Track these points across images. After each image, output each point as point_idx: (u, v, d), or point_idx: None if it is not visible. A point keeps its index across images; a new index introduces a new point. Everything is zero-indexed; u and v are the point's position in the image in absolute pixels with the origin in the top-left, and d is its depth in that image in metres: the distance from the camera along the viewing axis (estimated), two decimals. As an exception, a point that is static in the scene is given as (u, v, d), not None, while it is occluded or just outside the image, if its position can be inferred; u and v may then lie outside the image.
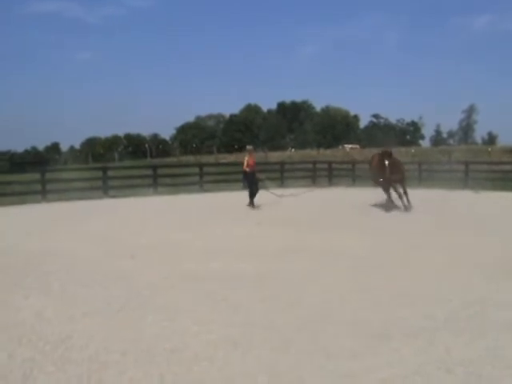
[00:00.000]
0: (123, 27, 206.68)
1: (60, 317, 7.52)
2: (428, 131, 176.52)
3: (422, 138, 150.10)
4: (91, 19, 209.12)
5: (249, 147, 22.78)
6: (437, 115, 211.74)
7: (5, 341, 6.57)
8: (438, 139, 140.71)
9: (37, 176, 27.17)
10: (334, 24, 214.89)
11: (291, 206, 21.21)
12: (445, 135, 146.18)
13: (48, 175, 27.68)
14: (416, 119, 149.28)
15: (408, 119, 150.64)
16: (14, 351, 6.23)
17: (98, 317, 7.51)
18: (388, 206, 19.98)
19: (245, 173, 21.52)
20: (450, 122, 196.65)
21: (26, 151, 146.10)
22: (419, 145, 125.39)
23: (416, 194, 21.02)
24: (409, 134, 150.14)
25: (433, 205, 20.32)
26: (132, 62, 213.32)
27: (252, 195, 21.15)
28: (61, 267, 10.68)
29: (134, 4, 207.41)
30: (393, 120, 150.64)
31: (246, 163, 21.38)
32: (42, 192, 25.92)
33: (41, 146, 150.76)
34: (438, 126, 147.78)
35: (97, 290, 8.92)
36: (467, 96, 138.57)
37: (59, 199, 24.75)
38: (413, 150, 65.72)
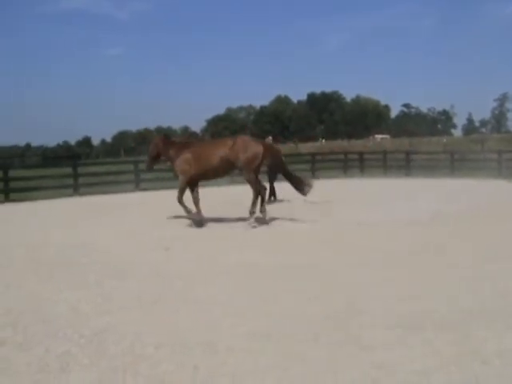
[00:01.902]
0: (152, 22, 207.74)
1: (95, 310, 7.59)
2: (460, 120, 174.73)
3: (454, 127, 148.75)
4: (120, 14, 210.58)
5: (268, 139, 22.20)
6: (469, 104, 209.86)
7: (41, 335, 6.66)
8: (470, 128, 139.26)
9: (69, 170, 27.46)
10: (364, 13, 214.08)
11: (324, 190, 21.14)
12: (477, 124, 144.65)
13: (80, 169, 27.95)
14: (447, 108, 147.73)
15: (439, 108, 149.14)
16: (50, 345, 6.30)
17: (132, 310, 7.57)
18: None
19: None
20: (483, 111, 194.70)
21: (58, 146, 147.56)
22: (451, 134, 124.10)
23: (447, 185, 20.75)
24: (440, 123, 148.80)
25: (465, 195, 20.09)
26: (161, 55, 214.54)
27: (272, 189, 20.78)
28: (95, 260, 10.79)
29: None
30: (424, 109, 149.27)
31: None
32: (75, 186, 26.20)
33: (72, 141, 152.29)
34: (470, 114, 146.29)
35: (131, 283, 8.99)
36: (500, 84, 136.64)
37: (91, 193, 24.98)
38: (445, 140, 65.23)
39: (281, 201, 20.34)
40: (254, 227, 14.54)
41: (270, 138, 22.66)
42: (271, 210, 17.94)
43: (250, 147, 15.33)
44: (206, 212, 15.68)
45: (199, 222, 15.26)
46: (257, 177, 15.57)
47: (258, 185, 15.37)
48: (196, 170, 15.64)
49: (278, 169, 16.70)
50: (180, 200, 15.58)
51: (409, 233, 12.88)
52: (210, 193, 24.73)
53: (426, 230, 13.16)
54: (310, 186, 15.99)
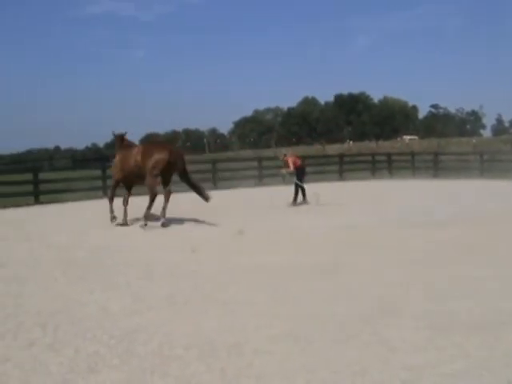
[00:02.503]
0: (178, 23, 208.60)
1: (124, 311, 7.63)
2: (489, 120, 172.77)
3: (483, 127, 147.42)
4: (145, 17, 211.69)
5: (285, 151, 22.87)
6: (498, 104, 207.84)
7: (71, 335, 6.70)
8: (499, 129, 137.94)
9: (98, 172, 27.64)
10: (391, 13, 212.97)
11: (346, 195, 21.07)
12: (507, 124, 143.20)
13: (109, 171, 28.13)
14: (476, 108, 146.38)
15: (468, 109, 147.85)
16: (79, 345, 6.34)
17: (161, 311, 7.60)
18: None
19: (299, 169, 21.14)
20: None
21: (87, 148, 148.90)
22: (480, 135, 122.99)
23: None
24: (469, 123, 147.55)
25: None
26: (188, 57, 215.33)
27: (297, 192, 20.78)
28: (124, 261, 10.87)
29: (185, 1, 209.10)
30: (452, 110, 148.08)
31: (290, 165, 21.02)
32: (104, 188, 26.35)
33: (101, 143, 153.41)
34: (500, 115, 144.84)
35: (160, 284, 9.03)
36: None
37: (120, 194, 25.08)
38: (474, 141, 64.75)
39: (299, 203, 20.24)
40: (144, 226, 15.18)
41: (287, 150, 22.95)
42: (292, 210, 17.93)
43: (154, 153, 15.64)
44: (233, 214, 15.70)
45: (112, 218, 16.31)
46: (167, 181, 16.04)
47: (154, 190, 15.69)
48: (120, 174, 16.45)
49: (182, 176, 16.79)
50: (109, 200, 16.63)
51: (438, 233, 12.76)
52: (238, 194, 24.80)
53: (455, 231, 13.04)
54: (208, 198, 16.91)
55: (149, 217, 15.46)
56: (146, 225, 15.25)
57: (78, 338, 6.61)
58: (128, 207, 16.45)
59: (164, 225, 15.37)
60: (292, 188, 20.64)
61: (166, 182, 15.99)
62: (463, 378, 5.11)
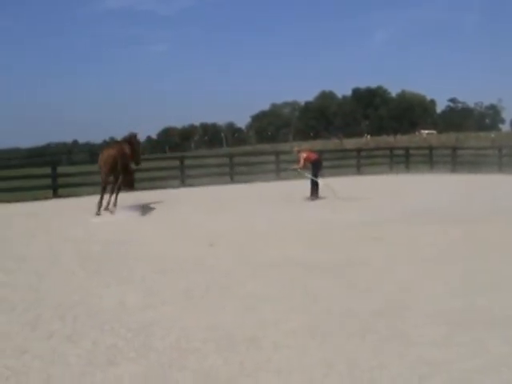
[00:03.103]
0: (196, 18, 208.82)
1: (141, 305, 7.66)
2: (508, 115, 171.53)
3: (502, 121, 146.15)
4: (164, 11, 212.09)
5: (297, 146, 23.07)
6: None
7: (89, 328, 6.74)
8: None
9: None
10: (408, 6, 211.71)
11: (363, 189, 20.99)
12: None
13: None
14: (495, 102, 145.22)
15: (487, 103, 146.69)
16: (97, 338, 6.38)
17: (178, 305, 7.62)
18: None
19: (315, 163, 20.91)
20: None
21: (105, 142, 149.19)
22: (499, 129, 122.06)
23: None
24: (488, 117, 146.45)
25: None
26: (206, 52, 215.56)
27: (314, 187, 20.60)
28: (141, 255, 10.90)
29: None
30: (470, 104, 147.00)
31: (301, 161, 20.70)
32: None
33: (118, 137, 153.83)
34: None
35: (177, 278, 9.05)
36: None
37: (137, 188, 25.15)
38: (492, 135, 64.29)
39: (318, 198, 20.12)
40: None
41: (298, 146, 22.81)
42: (309, 205, 17.93)
43: (103, 153, 17.94)
44: (247, 208, 15.69)
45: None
46: (116, 179, 17.96)
47: (105, 186, 17.59)
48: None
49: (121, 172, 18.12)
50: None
51: (453, 230, 12.68)
52: (255, 188, 24.82)
53: (477, 227, 12.96)
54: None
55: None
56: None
57: (95, 330, 6.66)
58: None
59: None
60: (308, 182, 20.53)
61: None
62: (482, 374, 5.08)
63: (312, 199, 19.97)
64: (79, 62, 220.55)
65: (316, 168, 20.72)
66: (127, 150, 18.40)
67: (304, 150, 21.48)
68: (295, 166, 21.13)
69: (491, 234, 12.03)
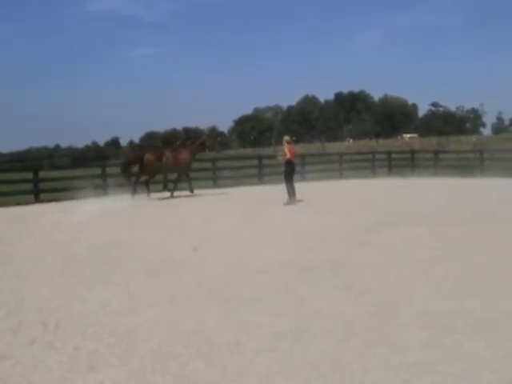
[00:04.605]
0: (180, 22, 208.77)
1: (124, 309, 7.63)
2: (489, 119, 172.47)
3: (484, 125, 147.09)
4: (148, 15, 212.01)
5: (286, 137, 21.81)
6: (498, 102, 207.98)
7: (71, 333, 6.70)
8: (499, 127, 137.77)
9: (98, 170, 27.64)
10: (391, 12, 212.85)
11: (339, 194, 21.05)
12: (507, 123, 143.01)
13: (108, 169, 28.12)
14: (476, 106, 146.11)
15: (468, 107, 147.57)
16: (79, 344, 6.34)
17: (161, 309, 7.59)
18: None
19: (287, 164, 20.60)
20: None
21: (87, 146, 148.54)
22: (480, 133, 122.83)
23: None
24: (469, 121, 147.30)
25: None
26: (188, 55, 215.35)
27: (293, 189, 20.26)
28: (125, 258, 10.88)
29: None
30: (452, 108, 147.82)
31: (286, 153, 20.51)
32: (103, 186, 26.33)
33: (101, 141, 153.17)
34: (500, 113, 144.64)
35: (161, 282, 9.03)
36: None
37: (120, 193, 25.06)
38: (474, 139, 64.65)
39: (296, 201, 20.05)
40: None
41: (288, 137, 22.31)
42: (294, 209, 17.94)
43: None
44: (231, 212, 15.70)
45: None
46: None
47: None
48: None
49: None
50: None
51: (445, 233, 12.73)
52: (237, 192, 24.83)
53: (463, 230, 13.00)
54: None
55: None
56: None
57: (78, 335, 6.61)
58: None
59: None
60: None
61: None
62: (465, 378, 5.09)
63: (289, 203, 19.79)
64: (60, 65, 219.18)
65: (290, 169, 20.58)
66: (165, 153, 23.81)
67: (289, 144, 21.24)
68: (284, 157, 20.79)
69: (477, 237, 12.05)
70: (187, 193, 24.23)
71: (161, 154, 23.76)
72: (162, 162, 23.35)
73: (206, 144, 25.62)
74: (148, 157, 23.41)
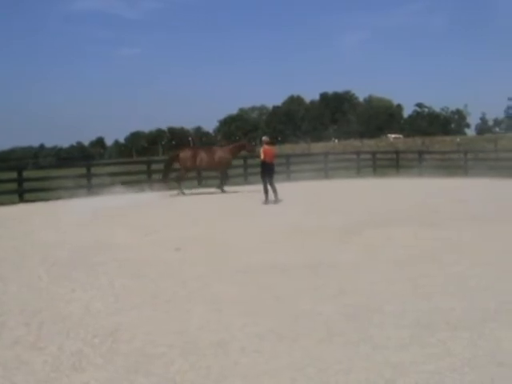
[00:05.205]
0: (165, 22, 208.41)
1: (107, 309, 7.62)
2: (473, 120, 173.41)
3: (468, 126, 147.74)
4: (133, 14, 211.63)
5: (264, 138, 22.06)
6: (482, 103, 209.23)
7: (54, 334, 6.68)
8: (483, 127, 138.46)
9: (83, 170, 27.58)
10: (376, 12, 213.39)
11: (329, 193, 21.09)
12: (491, 123, 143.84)
13: (93, 169, 28.05)
14: (461, 107, 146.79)
15: (453, 108, 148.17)
16: (63, 344, 6.32)
17: (145, 309, 7.59)
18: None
19: (263, 164, 20.63)
20: (496, 110, 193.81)
21: (72, 146, 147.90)
22: (464, 133, 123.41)
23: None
24: (453, 122, 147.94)
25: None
26: (173, 55, 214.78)
27: (266, 190, 20.29)
28: (108, 260, 10.84)
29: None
30: (437, 109, 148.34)
31: (262, 155, 20.52)
32: (88, 186, 26.27)
33: (86, 141, 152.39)
34: (484, 114, 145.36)
35: (144, 283, 9.01)
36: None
37: (105, 193, 25.00)
38: (458, 139, 64.85)
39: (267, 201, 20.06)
40: None
41: (267, 137, 22.29)
42: (280, 209, 17.96)
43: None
44: (213, 214, 15.69)
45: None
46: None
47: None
48: None
49: None
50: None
51: (428, 232, 12.79)
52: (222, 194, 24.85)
53: (445, 230, 13.06)
54: None
55: None
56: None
57: (61, 336, 6.60)
58: None
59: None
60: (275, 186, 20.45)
61: None
62: (447, 376, 5.13)
63: (266, 203, 19.90)
64: (44, 63, 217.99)
65: (268, 170, 20.59)
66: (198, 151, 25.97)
67: (268, 146, 21.30)
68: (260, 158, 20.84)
69: (459, 237, 12.11)
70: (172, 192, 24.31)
71: (195, 152, 25.93)
72: (196, 160, 25.41)
73: (245, 147, 27.36)
74: (183, 154, 25.81)
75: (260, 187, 20.75)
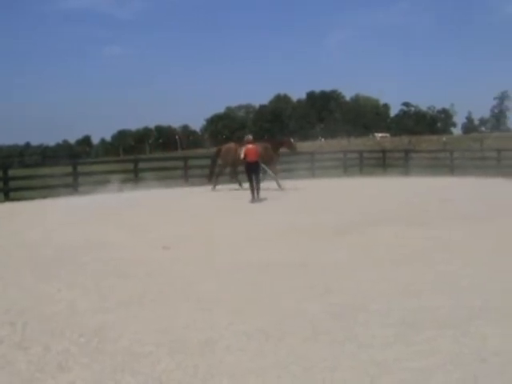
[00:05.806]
0: (153, 21, 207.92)
1: (93, 308, 7.58)
2: (460, 119, 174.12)
3: (454, 125, 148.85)
4: (121, 14, 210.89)
5: (247, 137, 22.27)
6: (469, 102, 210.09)
7: (39, 334, 6.64)
8: (469, 127, 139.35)
9: (69, 169, 27.47)
10: (364, 11, 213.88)
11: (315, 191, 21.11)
12: (477, 122, 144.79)
13: (80, 168, 27.94)
14: (447, 107, 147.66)
15: (439, 107, 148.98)
16: (48, 343, 6.29)
17: (131, 308, 7.56)
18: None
19: (246, 164, 20.86)
20: (482, 110, 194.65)
21: (58, 145, 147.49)
22: (451, 132, 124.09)
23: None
24: (440, 121, 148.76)
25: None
26: (161, 54, 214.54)
27: (253, 188, 20.42)
28: (94, 258, 10.78)
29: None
30: (423, 108, 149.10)
31: (242, 154, 20.80)
32: (74, 185, 26.18)
33: (72, 140, 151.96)
34: (470, 113, 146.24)
35: (131, 282, 8.97)
36: (499, 83, 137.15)
37: (91, 192, 24.91)
38: (444, 138, 65.31)
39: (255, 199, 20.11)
40: None
41: (250, 136, 22.37)
42: (269, 208, 17.95)
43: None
44: (201, 212, 15.66)
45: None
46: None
47: None
48: None
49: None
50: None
51: (417, 231, 12.82)
52: (209, 192, 24.80)
53: (434, 229, 13.09)
54: None
55: None
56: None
57: (47, 335, 6.56)
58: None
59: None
60: (269, 183, 20.55)
61: None
62: (432, 374, 5.16)
63: (252, 201, 19.96)
64: (30, 61, 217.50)
65: (246, 168, 20.87)
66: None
67: (247, 144, 21.41)
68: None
69: (448, 236, 12.13)
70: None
71: (235, 147, 25.50)
72: (236, 154, 24.30)
73: (286, 143, 27.57)
74: (225, 149, 26.45)
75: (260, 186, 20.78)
